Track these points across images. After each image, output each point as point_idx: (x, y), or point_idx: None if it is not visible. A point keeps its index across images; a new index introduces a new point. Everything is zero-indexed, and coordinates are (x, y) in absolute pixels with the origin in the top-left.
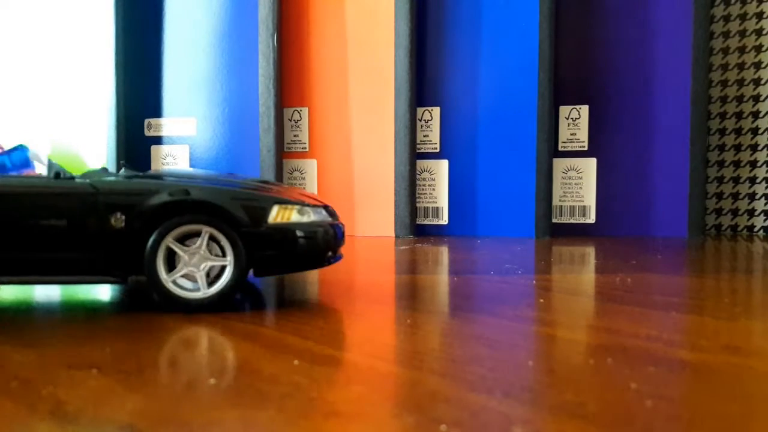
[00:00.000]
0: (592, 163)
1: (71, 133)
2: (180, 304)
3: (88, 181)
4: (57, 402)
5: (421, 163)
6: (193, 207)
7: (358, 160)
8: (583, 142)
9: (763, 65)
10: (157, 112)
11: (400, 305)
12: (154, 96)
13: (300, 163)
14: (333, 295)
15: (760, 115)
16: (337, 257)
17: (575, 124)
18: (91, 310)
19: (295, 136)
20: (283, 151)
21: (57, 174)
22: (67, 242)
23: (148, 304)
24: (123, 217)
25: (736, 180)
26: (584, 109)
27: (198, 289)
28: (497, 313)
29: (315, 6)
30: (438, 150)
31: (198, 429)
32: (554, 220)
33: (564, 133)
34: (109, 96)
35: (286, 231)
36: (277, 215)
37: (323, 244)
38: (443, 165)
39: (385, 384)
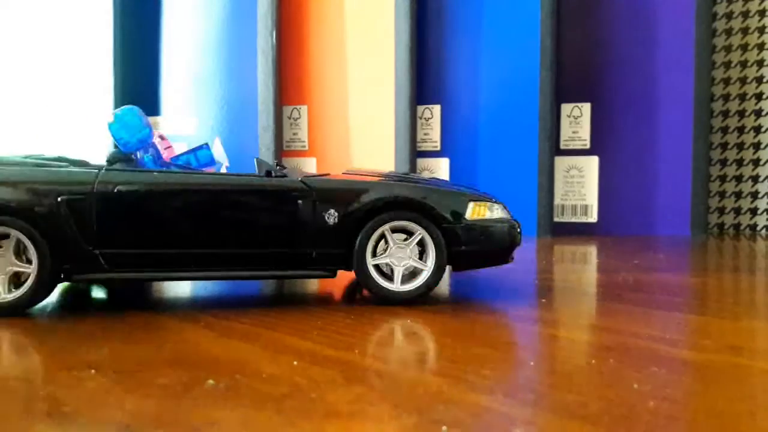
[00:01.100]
0: (593, 161)
1: (70, 132)
2: (383, 295)
3: (299, 179)
4: (56, 402)
5: (422, 162)
6: (401, 205)
7: (358, 159)
8: (585, 140)
9: (765, 63)
10: (156, 111)
11: (400, 305)
12: (153, 94)
13: (299, 161)
14: (332, 295)
15: (763, 113)
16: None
17: (577, 122)
18: (86, 310)
19: (294, 134)
20: (282, 150)
21: (268, 172)
22: (282, 238)
23: (144, 303)
24: (336, 214)
25: (738, 178)
26: (586, 107)
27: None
28: (498, 313)
29: (314, 4)
30: (439, 148)
31: (197, 430)
32: (556, 219)
33: (566, 132)
34: (108, 94)
35: (481, 227)
36: (473, 212)
37: (510, 240)
38: (444, 163)
39: (385, 384)
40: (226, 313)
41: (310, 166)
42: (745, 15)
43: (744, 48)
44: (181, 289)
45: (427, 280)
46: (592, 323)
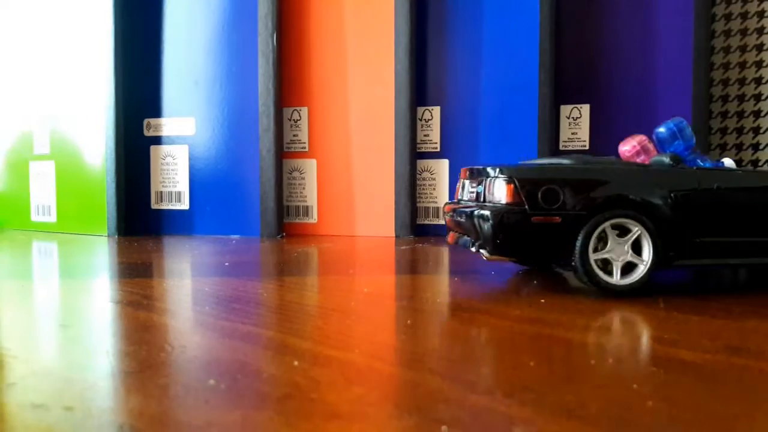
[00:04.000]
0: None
1: (70, 132)
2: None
3: None
4: None
5: (422, 163)
6: None
7: (358, 160)
8: (584, 141)
9: (764, 64)
10: (156, 112)
11: (400, 305)
12: (152, 96)
13: (299, 162)
14: (332, 295)
15: (762, 114)
16: None
17: (576, 123)
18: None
19: (294, 135)
20: (282, 151)
21: None
22: None
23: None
24: None
25: None
26: (585, 108)
27: None
28: (498, 313)
29: (315, 5)
30: (438, 149)
31: (197, 430)
32: None
33: (565, 133)
34: (107, 96)
35: None
36: None
37: None
38: (444, 165)
39: (385, 385)
40: (228, 315)
41: (310, 167)
42: (744, 16)
43: (743, 49)
44: (182, 291)
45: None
46: (592, 324)
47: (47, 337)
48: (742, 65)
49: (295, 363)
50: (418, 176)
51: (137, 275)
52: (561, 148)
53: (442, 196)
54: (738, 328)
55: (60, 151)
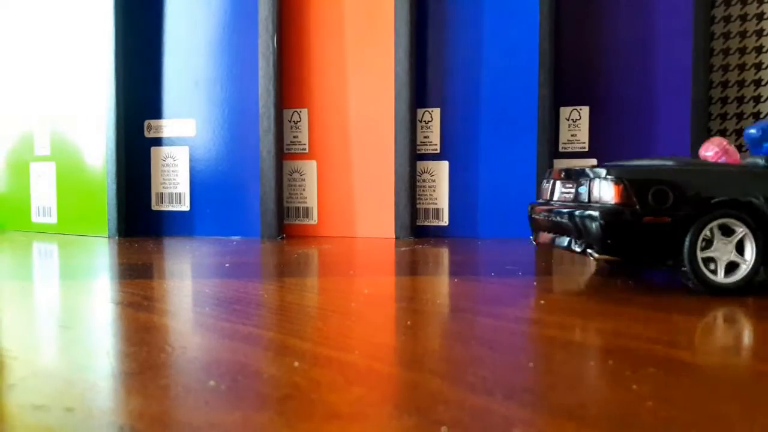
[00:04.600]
0: (592, 164)
1: (70, 134)
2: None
3: None
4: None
5: (422, 164)
6: None
7: (358, 162)
8: (584, 143)
9: (764, 66)
10: (156, 114)
11: (400, 306)
12: (153, 97)
13: (300, 164)
14: (332, 296)
15: (761, 116)
16: None
17: (576, 125)
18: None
19: (294, 137)
20: (282, 153)
21: None
22: None
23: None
24: None
25: None
26: (585, 110)
27: None
28: (498, 315)
29: (315, 7)
30: (438, 151)
31: (198, 431)
32: None
33: (564, 134)
34: (108, 97)
35: None
36: None
37: None
38: (443, 166)
39: (385, 385)
40: (228, 315)
41: (310, 168)
42: (744, 18)
43: (742, 51)
44: (183, 292)
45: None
46: (591, 325)
47: (48, 338)
48: (742, 67)
49: (296, 364)
50: (418, 178)
51: (138, 276)
52: (561, 150)
53: (442, 198)
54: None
55: (61, 153)
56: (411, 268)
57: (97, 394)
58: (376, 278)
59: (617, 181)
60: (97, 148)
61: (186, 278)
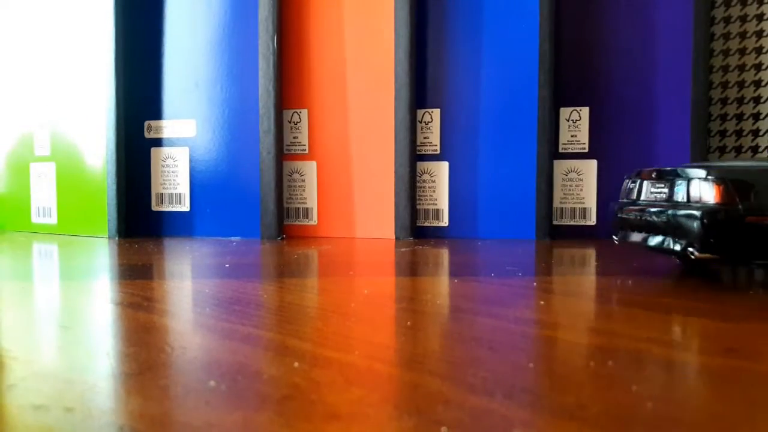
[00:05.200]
0: (592, 164)
1: (70, 134)
2: None
3: None
4: None
5: (422, 165)
6: None
7: (358, 162)
8: (584, 143)
9: (763, 67)
10: (156, 114)
11: (400, 307)
12: (153, 98)
13: (299, 165)
14: (332, 297)
15: (761, 117)
16: None
17: (575, 125)
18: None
19: (294, 137)
20: (282, 153)
21: None
22: None
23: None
24: None
25: None
26: (585, 111)
27: None
28: (498, 315)
29: (315, 8)
30: (438, 152)
31: (198, 431)
32: (555, 222)
33: (564, 135)
34: (108, 98)
35: None
36: None
37: None
38: (443, 167)
39: (385, 386)
40: (228, 316)
41: (310, 169)
42: (744, 19)
43: (742, 52)
44: (183, 292)
45: None
46: (591, 326)
47: (48, 339)
48: (741, 68)
49: (296, 364)
50: (418, 178)
51: (138, 277)
52: (561, 150)
53: (442, 199)
54: None
55: (61, 153)
56: (411, 268)
57: (97, 394)
58: (376, 279)
59: (719, 181)
60: (97, 148)
61: (186, 279)
